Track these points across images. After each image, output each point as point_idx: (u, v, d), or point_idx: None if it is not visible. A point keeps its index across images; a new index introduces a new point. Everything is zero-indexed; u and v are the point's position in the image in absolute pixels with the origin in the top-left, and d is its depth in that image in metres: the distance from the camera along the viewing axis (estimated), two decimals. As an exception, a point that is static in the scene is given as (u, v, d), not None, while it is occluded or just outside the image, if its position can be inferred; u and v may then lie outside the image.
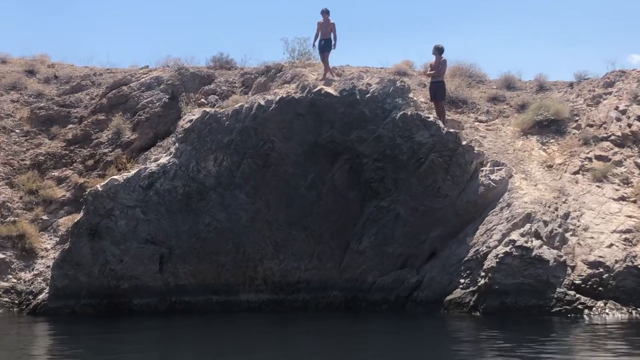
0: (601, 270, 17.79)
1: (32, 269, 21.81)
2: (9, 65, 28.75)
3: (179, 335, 16.59)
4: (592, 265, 17.88)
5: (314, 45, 22.45)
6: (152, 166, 20.50)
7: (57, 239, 22.36)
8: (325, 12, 21.98)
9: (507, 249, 17.93)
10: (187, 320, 18.75)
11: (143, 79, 25.71)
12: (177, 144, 20.72)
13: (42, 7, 67.17)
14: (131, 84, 25.64)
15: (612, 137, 21.32)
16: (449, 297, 18.52)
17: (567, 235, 18.52)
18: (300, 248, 20.43)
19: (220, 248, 20.26)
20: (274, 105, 20.48)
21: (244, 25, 69.29)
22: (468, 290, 18.34)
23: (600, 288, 17.65)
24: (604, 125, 21.76)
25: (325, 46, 22.00)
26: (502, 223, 18.67)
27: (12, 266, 21.79)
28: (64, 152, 24.48)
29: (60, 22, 67.62)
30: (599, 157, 20.78)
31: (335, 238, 20.44)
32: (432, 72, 21.24)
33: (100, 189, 20.13)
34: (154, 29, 68.57)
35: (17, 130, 25.11)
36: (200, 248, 20.21)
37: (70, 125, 25.29)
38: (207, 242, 20.23)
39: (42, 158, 24.28)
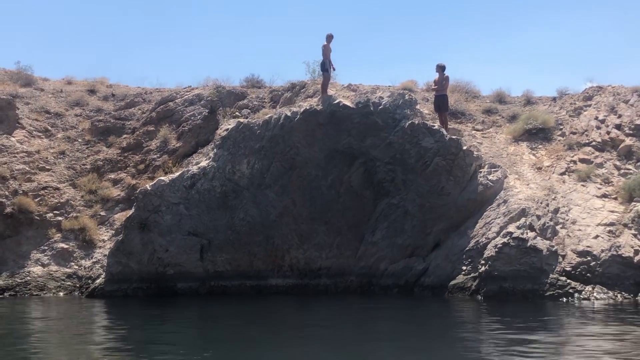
0: (589, 258, 16.41)
1: (91, 258, 20.72)
2: (74, 86, 27.68)
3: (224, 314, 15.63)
4: (581, 254, 16.50)
5: (334, 68, 20.60)
6: (194, 169, 19.40)
7: (113, 231, 21.25)
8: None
9: (505, 239, 16.60)
10: (227, 301, 17.67)
11: (186, 96, 24.57)
12: (215, 150, 19.62)
13: (102, 35, 66.68)
14: (176, 100, 24.50)
15: (593, 143, 19.94)
16: (452, 282, 17.23)
17: (558, 227, 17.16)
18: (322, 239, 19.27)
19: (253, 239, 19.13)
20: (298, 116, 19.33)
21: (273, 50, 68.64)
22: (469, 276, 17.06)
23: (588, 274, 16.27)
24: (585, 133, 20.38)
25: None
26: (499, 217, 17.34)
27: (75, 255, 20.71)
28: (119, 158, 23.37)
29: (118, 48, 67.14)
30: (582, 160, 19.42)
31: (352, 231, 19.26)
32: (435, 87, 20.02)
33: (149, 188, 19.07)
34: (196, 54, 67.94)
35: (79, 140, 24.03)
36: (235, 239, 19.09)
37: (125, 135, 24.18)
38: (241, 235, 19.11)
39: (101, 163, 23.18)
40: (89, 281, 19.74)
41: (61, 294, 19.66)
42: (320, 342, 11.40)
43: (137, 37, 71.55)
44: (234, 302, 17.47)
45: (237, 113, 23.09)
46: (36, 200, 21.48)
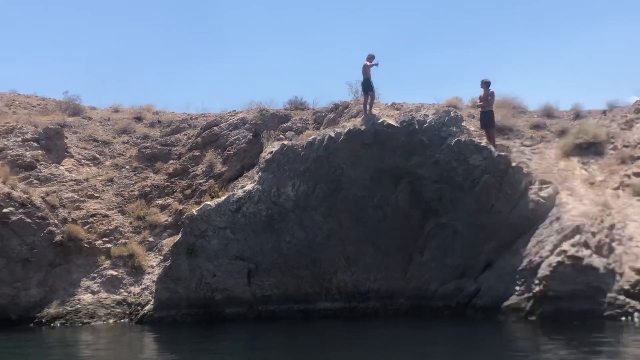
0: (648, 276, 15.69)
1: (140, 284, 20.71)
2: (121, 114, 28.04)
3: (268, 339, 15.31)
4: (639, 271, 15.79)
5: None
6: (240, 192, 19.32)
7: (161, 257, 21.25)
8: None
9: (560, 258, 16.00)
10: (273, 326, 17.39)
11: (231, 120, 24.62)
12: (260, 173, 19.52)
13: (149, 62, 67.83)
14: (221, 125, 24.57)
15: (647, 156, 19.22)
16: (505, 303, 16.65)
17: (614, 244, 16.48)
18: (369, 261, 18.93)
19: (300, 263, 18.90)
20: (342, 136, 19.11)
21: (316, 71, 68.86)
22: (523, 296, 16.46)
23: (648, 292, 15.54)
24: (638, 146, 19.67)
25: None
26: (552, 235, 16.75)
27: (124, 282, 20.74)
28: (166, 183, 23.48)
29: (164, 74, 68.24)
30: (636, 174, 18.69)
31: (400, 251, 18.87)
32: (481, 103, 19.60)
33: (195, 213, 19.06)
34: (240, 78, 68.74)
35: (127, 167, 24.23)
36: (282, 263, 18.90)
37: (171, 161, 24.32)
38: (288, 258, 18.90)
39: (148, 189, 23.30)
40: (139, 308, 19.73)
41: (111, 321, 19.68)
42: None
43: (182, 63, 72.77)
44: (283, 329, 17.20)
45: (281, 135, 22.98)
46: (85, 227, 21.64)
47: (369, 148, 19.08)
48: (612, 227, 16.86)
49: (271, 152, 19.66)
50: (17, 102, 28.02)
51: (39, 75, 62.66)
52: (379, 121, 19.20)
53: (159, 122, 26.92)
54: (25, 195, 20.94)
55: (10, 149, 22.85)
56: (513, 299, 16.60)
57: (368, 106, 19.74)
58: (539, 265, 16.37)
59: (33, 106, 27.92)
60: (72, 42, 70.08)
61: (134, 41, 70.34)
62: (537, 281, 16.17)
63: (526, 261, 16.80)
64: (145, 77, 65.88)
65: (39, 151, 23.15)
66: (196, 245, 18.80)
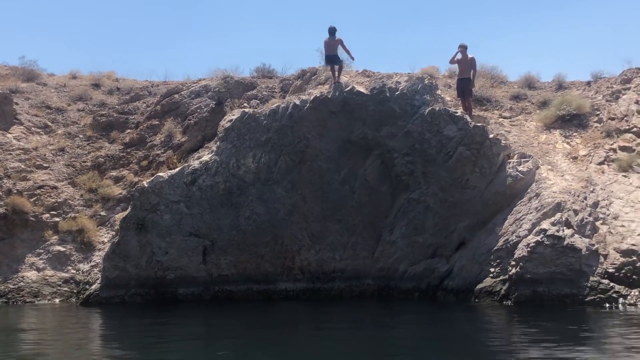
0: (634, 258, 14.29)
1: (90, 261, 19.14)
2: (79, 80, 26.12)
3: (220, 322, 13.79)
4: (625, 253, 14.39)
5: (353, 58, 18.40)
6: (195, 163, 17.68)
7: (113, 233, 19.55)
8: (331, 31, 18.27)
9: (538, 238, 14.55)
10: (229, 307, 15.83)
11: (193, 88, 22.84)
12: (218, 143, 17.86)
13: (111, 29, 64.79)
14: (182, 92, 22.79)
15: (635, 129, 17.81)
16: (479, 286, 15.24)
17: (598, 224, 15.08)
18: (335, 239, 17.45)
19: (260, 240, 17.36)
20: (308, 104, 17.51)
21: (286, 40, 66.30)
22: (499, 279, 15.05)
23: (634, 276, 14.11)
24: (625, 118, 18.24)
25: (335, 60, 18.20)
26: (531, 213, 15.30)
27: (72, 258, 19.16)
28: (122, 154, 21.75)
29: (127, 42, 65.32)
30: (623, 148, 17.30)
31: (368, 229, 17.40)
32: (456, 59, 17.73)
33: (146, 185, 17.41)
34: (207, 47, 65.98)
35: (80, 136, 22.45)
36: (240, 240, 17.34)
37: (128, 130, 22.57)
38: (247, 235, 17.35)
39: (102, 160, 21.57)
40: (87, 286, 18.06)
41: (57, 300, 18.11)
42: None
43: (146, 30, 70.22)
44: (240, 311, 15.67)
45: (245, 104, 21.30)
46: (32, 200, 19.92)
47: (336, 117, 17.52)
48: (595, 204, 15.44)
49: (231, 120, 18.01)
50: (-33, 67, 26.06)
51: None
52: (348, 88, 17.61)
53: (118, 89, 25.10)
54: (-36, 164, 19.17)
55: (-48, 115, 21.00)
56: (487, 282, 15.21)
57: (337, 73, 18.08)
58: (515, 245, 14.95)
59: (-15, 71, 25.96)
60: (30, 5, 66.74)
61: (96, 6, 67.12)
62: (513, 262, 14.75)
63: (502, 241, 15.36)
64: (108, 44, 62.80)
65: (-16, 117, 21.30)
66: (147, 220, 17.15)
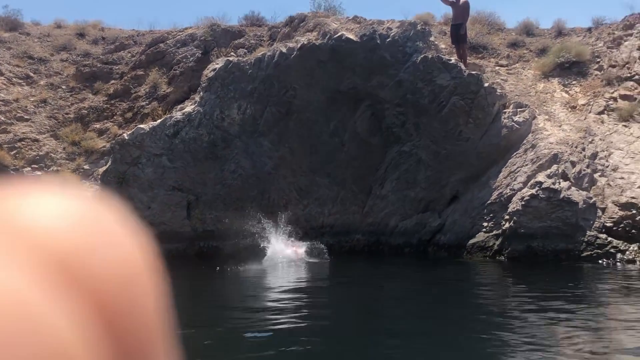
0: (634, 212, 13.61)
1: (73, 216, 18.41)
2: (63, 30, 25.03)
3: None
4: (624, 206, 13.71)
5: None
6: (178, 115, 16.89)
7: (97, 186, 18.86)
8: None
9: (533, 191, 13.83)
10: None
11: (179, 36, 21.82)
12: (201, 93, 17.02)
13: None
14: (168, 41, 21.76)
15: (636, 77, 16.90)
16: (471, 241, 14.63)
17: (596, 176, 14.35)
18: (324, 194, 16.76)
19: (246, 195, 16.65)
20: (295, 52, 16.60)
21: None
22: (491, 233, 14.42)
23: (633, 230, 13.46)
24: (627, 66, 17.31)
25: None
26: (526, 165, 14.56)
27: (54, 214, 18.41)
28: (106, 105, 20.86)
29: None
30: (623, 97, 16.43)
31: (357, 183, 16.68)
32: (450, 1, 16.81)
33: (127, 138, 16.63)
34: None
35: (63, 87, 21.54)
36: (226, 195, 16.65)
37: (112, 81, 21.64)
38: (232, 189, 16.64)
39: (85, 112, 20.70)
40: (70, 242, 17.45)
41: (38, 257, 17.50)
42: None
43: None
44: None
45: (232, 53, 20.32)
46: (12, 153, 19.14)
47: (325, 66, 16.62)
48: (594, 156, 14.69)
49: (214, 70, 17.14)
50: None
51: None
52: (337, 35, 16.66)
53: (103, 39, 24.04)
54: (-61, 117, 18.36)
55: None
56: (480, 236, 14.59)
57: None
58: (509, 198, 14.27)
59: (-36, 20, 24.90)
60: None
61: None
62: (507, 216, 14.09)
63: (496, 194, 14.68)
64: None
65: (-39, 68, 20.39)
66: (128, 174, 16.45)
